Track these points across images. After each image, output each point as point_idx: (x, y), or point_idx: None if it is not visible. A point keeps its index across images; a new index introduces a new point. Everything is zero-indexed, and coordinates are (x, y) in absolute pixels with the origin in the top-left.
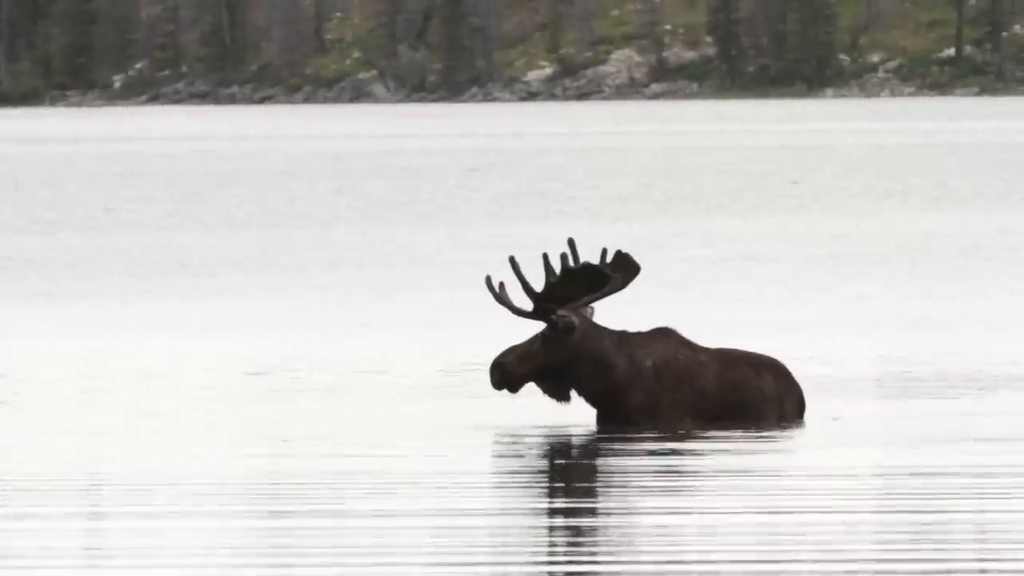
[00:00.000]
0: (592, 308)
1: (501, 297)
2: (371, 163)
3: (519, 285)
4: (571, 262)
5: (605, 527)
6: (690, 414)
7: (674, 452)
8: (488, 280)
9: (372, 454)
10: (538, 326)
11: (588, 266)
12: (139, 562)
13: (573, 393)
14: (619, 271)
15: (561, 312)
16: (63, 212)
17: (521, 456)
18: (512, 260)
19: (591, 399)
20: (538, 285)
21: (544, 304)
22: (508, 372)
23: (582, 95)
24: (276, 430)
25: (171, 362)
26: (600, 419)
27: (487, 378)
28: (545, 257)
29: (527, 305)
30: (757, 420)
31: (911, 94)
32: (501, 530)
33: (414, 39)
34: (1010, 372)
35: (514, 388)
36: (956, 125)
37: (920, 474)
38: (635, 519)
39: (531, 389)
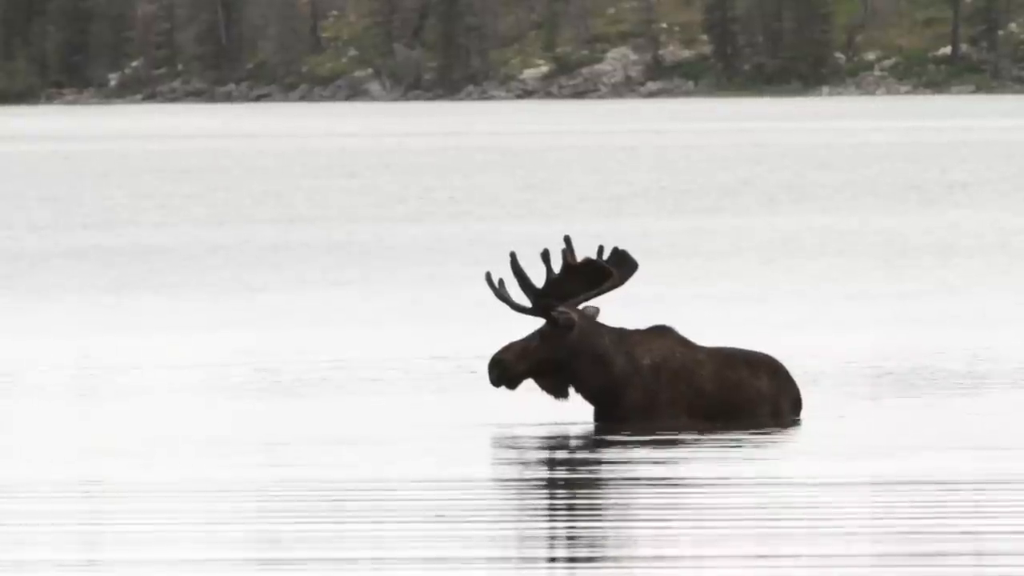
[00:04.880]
0: (597, 308)
1: (501, 293)
2: (367, 161)
3: (518, 282)
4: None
5: (601, 538)
6: (687, 412)
7: (669, 460)
8: (488, 276)
9: (369, 451)
10: (537, 322)
11: (590, 262)
12: (132, 570)
13: (571, 390)
14: (617, 268)
15: (561, 308)
16: (58, 210)
17: (519, 461)
18: (512, 256)
19: (589, 396)
20: (537, 282)
21: (544, 300)
22: (507, 368)
23: (578, 93)
24: (273, 429)
25: (166, 360)
26: (597, 416)
27: (486, 374)
28: (545, 253)
29: (527, 301)
30: (753, 419)
31: (907, 92)
32: (497, 532)
33: (410, 37)
34: (1005, 371)
35: (513, 385)
36: (952, 123)
37: (918, 483)
38: (629, 532)
39: (530, 385)
